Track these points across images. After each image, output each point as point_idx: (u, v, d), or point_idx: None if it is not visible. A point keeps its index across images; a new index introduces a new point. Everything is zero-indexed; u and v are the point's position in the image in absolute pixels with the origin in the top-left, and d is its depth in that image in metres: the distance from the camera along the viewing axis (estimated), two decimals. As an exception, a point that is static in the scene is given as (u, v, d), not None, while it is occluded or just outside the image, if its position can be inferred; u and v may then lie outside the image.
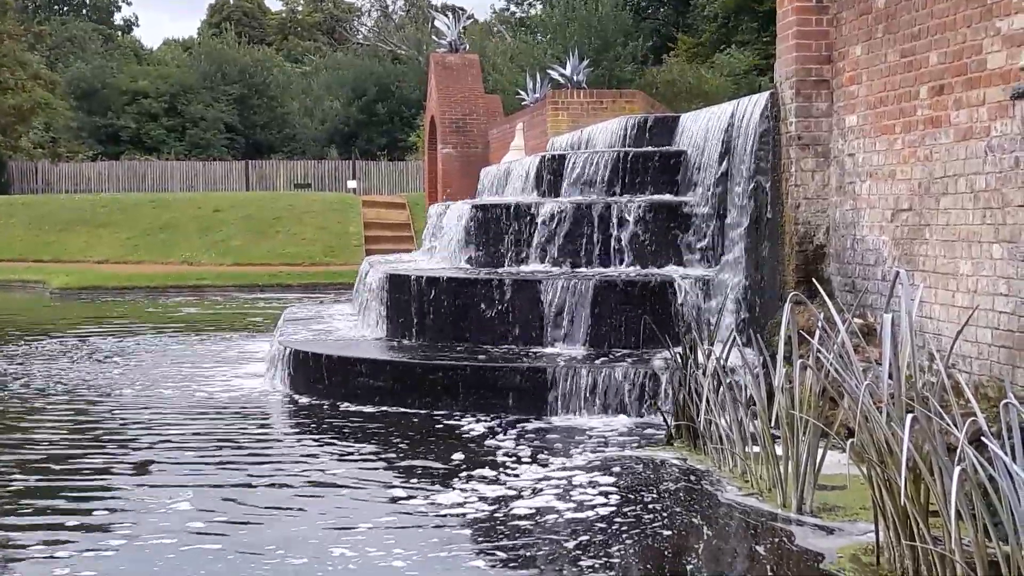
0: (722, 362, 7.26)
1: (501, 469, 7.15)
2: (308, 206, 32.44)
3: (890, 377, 5.26)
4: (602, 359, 9.38)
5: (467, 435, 8.29)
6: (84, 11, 70.93)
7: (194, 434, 8.57)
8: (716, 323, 9.23)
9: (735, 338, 7.40)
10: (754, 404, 6.65)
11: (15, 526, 6.07)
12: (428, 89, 28.52)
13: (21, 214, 32.72)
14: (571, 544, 5.60)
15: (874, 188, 8.24)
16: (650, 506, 6.26)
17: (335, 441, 8.23)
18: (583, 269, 10.85)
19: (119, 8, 74.37)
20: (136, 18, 79.20)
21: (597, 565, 5.28)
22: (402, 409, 9.24)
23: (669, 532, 5.81)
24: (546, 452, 7.65)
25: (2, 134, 44.32)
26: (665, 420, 8.02)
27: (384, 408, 9.30)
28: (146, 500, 6.57)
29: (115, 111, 52.99)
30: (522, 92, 24.29)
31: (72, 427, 8.94)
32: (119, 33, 72.23)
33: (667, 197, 11.21)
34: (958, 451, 4.50)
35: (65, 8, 70.65)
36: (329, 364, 9.97)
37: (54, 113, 48.29)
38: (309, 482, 6.99)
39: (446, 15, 29.95)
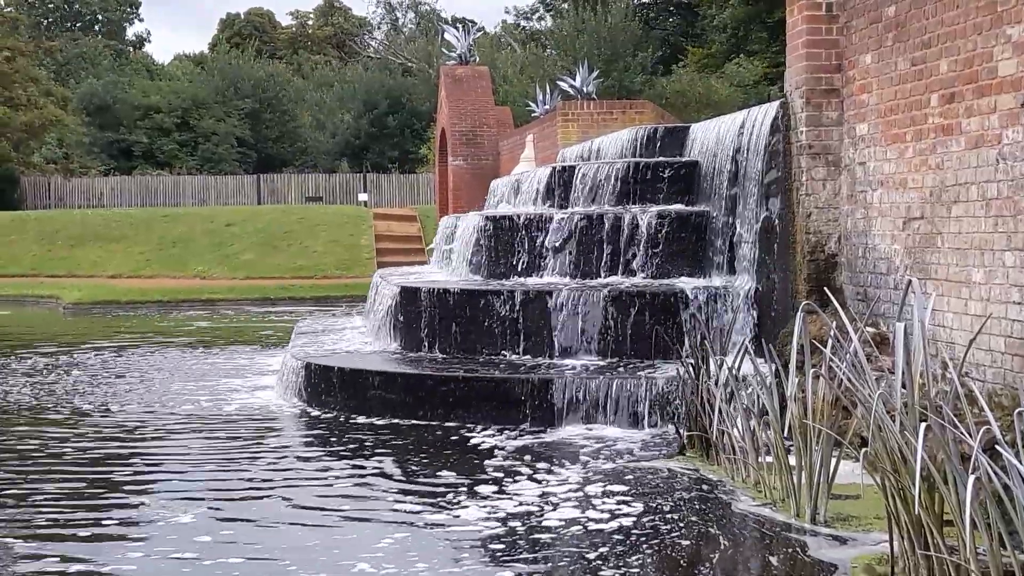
0: (734, 372, 7.25)
1: (516, 481, 7.15)
2: (319, 219, 32.52)
3: (903, 386, 5.25)
4: (614, 370, 9.37)
5: (481, 447, 8.29)
6: (96, 27, 71.24)
7: (207, 448, 8.58)
8: (728, 333, 9.21)
9: (747, 348, 7.39)
10: (767, 414, 6.64)
11: (28, 536, 6.08)
12: (438, 101, 28.57)
13: (34, 229, 32.85)
14: (592, 555, 5.60)
15: (885, 197, 8.23)
16: (666, 516, 6.26)
17: (349, 454, 8.23)
18: (594, 279, 10.85)
19: (131, 23, 74.71)
20: (148, 34, 79.33)
21: (616, 576, 5.29)
22: (414, 421, 9.24)
23: (687, 542, 5.81)
24: (560, 463, 7.65)
25: (15, 150, 44.57)
26: (677, 431, 8.01)
27: (397, 420, 9.31)
28: (162, 513, 6.57)
29: (127, 126, 53.20)
30: (532, 103, 24.33)
31: (84, 441, 8.95)
32: (131, 49, 72.53)
33: (678, 207, 11.20)
34: (972, 460, 4.48)
35: (77, 24, 70.95)
36: (342, 377, 9.99)
37: (66, 129, 48.53)
38: (325, 496, 6.99)
39: (456, 28, 30.02)
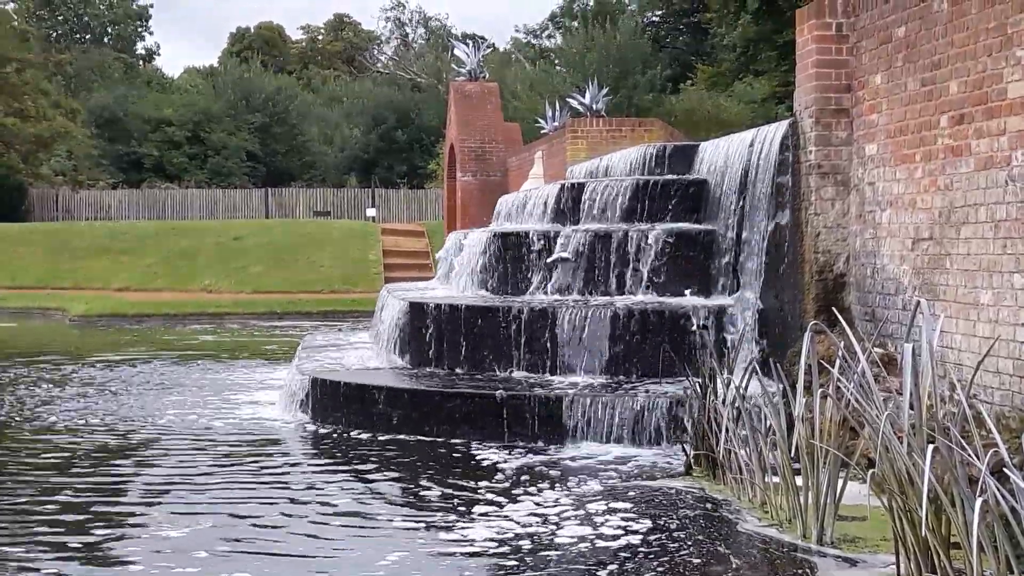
0: (741, 391, 7.23)
1: (522, 498, 7.12)
2: (327, 234, 32.54)
3: (911, 407, 5.24)
4: (621, 388, 9.35)
5: (486, 464, 8.27)
6: (106, 39, 71.48)
7: (209, 462, 8.56)
8: (735, 352, 9.19)
9: (755, 367, 7.37)
10: (774, 434, 6.61)
11: (26, 548, 6.06)
12: (447, 117, 28.62)
13: (41, 241, 32.88)
14: (602, 573, 5.57)
15: (894, 217, 8.22)
16: (673, 535, 6.23)
17: (355, 471, 8.21)
18: (602, 297, 10.84)
19: (143, 38, 74.93)
20: (157, 47, 79.60)
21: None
22: (420, 438, 9.22)
23: (697, 560, 5.78)
24: (566, 482, 7.62)
25: (23, 161, 44.65)
26: (684, 449, 7.98)
27: (402, 436, 9.29)
28: (164, 527, 6.56)
29: (137, 139, 53.33)
30: (541, 120, 24.35)
31: (85, 453, 8.94)
32: (140, 62, 72.73)
33: (686, 225, 11.19)
34: (980, 482, 4.46)
35: (87, 37, 71.19)
36: (347, 392, 9.97)
37: (75, 141, 48.63)
38: (327, 512, 6.96)
39: (466, 44, 30.08)
